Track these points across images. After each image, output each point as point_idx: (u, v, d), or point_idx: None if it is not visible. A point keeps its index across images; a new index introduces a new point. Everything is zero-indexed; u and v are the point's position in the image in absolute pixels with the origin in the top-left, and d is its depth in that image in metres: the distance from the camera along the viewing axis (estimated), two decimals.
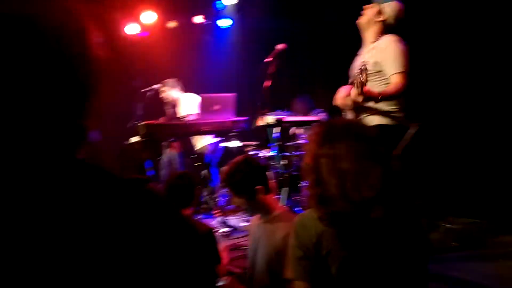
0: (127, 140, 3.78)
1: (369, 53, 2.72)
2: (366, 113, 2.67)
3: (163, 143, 4.83)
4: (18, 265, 0.48)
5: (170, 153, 5.12)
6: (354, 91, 2.50)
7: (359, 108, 2.62)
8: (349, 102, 2.64)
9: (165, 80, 4.80)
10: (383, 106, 2.62)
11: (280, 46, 3.32)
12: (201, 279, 0.60)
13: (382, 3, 2.71)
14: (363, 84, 2.43)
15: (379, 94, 2.49)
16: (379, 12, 2.69)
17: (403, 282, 1.19)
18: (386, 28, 2.72)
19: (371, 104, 2.59)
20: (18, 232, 0.49)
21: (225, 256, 2.24)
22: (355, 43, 2.95)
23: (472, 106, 3.80)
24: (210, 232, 2.13)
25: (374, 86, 2.61)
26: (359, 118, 2.65)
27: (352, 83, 2.73)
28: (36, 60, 0.52)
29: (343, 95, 2.76)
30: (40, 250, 0.49)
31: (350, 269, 1.19)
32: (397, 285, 1.18)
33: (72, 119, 0.56)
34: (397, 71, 2.56)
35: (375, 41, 2.72)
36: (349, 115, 2.79)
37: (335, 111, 5.01)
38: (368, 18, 2.71)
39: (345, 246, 1.20)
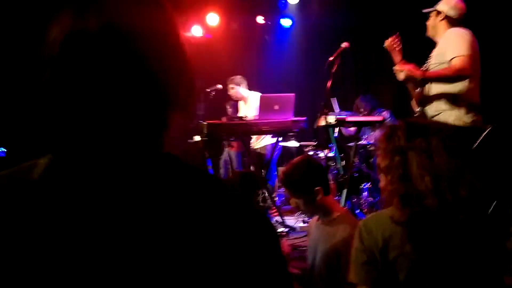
0: (191, 138, 3.91)
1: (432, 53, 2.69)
2: (438, 112, 2.55)
3: (223, 142, 4.94)
4: (104, 259, 0.49)
5: (229, 152, 5.22)
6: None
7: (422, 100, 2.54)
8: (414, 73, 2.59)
9: (232, 77, 4.84)
10: (456, 107, 2.51)
11: (343, 44, 3.25)
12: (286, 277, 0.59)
13: (435, 5, 2.70)
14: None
15: (423, 74, 2.46)
16: (437, 13, 2.69)
17: None
18: (451, 24, 2.67)
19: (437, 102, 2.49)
20: (108, 224, 0.50)
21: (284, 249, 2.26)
22: (422, 40, 2.86)
23: None
24: None
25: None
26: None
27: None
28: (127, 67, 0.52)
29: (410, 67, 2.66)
30: (128, 244, 0.49)
31: (420, 275, 1.13)
32: None
33: (159, 114, 0.56)
34: (456, 55, 2.46)
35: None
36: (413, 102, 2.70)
37: (399, 111, 4.83)
38: (431, 25, 2.73)
39: (417, 249, 1.14)
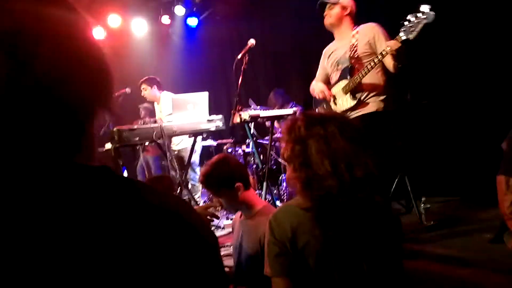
0: (102, 147, 3.68)
1: (353, 37, 2.83)
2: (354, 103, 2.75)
3: (138, 148, 4.75)
4: (18, 272, 0.45)
5: (145, 157, 5.04)
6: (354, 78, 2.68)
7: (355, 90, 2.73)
8: (328, 92, 2.84)
9: (144, 78, 4.73)
10: (374, 91, 2.73)
11: (250, 42, 3.31)
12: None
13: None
14: (352, 57, 2.69)
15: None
16: (344, 8, 2.87)
17: (380, 264, 1.21)
18: (354, 18, 2.91)
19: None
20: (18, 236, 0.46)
21: None
22: (327, 36, 3.02)
23: (448, 87, 3.91)
24: None
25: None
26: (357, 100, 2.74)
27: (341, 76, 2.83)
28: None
29: (322, 88, 2.88)
30: (40, 256, 0.45)
31: (327, 257, 1.18)
32: (374, 267, 1.19)
33: (71, 124, 0.52)
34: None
35: (352, 30, 2.87)
36: (333, 107, 2.86)
37: (310, 105, 5.08)
38: (335, 17, 2.88)
39: (324, 231, 1.19)
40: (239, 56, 3.29)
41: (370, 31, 2.78)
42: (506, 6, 3.53)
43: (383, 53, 2.50)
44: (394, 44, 2.44)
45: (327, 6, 2.90)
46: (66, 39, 0.50)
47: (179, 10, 6.24)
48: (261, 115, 3.56)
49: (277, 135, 5.01)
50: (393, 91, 2.78)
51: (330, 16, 2.89)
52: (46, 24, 0.49)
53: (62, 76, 0.49)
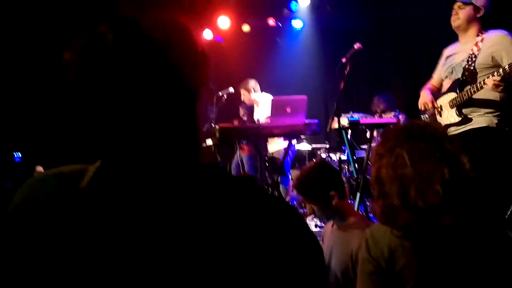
0: (203, 142, 3.91)
1: (476, 45, 2.55)
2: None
3: (235, 146, 4.93)
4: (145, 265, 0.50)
5: (240, 155, 5.21)
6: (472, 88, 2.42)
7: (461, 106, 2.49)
8: (441, 103, 2.62)
9: (243, 82, 4.84)
10: (486, 108, 2.46)
11: (356, 45, 3.21)
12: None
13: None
14: (467, 68, 2.45)
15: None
16: (476, 10, 2.54)
17: None
18: (485, 22, 2.58)
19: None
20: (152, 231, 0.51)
21: None
22: (436, 39, 2.81)
23: None
24: None
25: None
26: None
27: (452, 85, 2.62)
28: (151, 71, 0.55)
29: (426, 100, 2.68)
30: (166, 252, 0.50)
31: (427, 284, 1.11)
32: None
33: (186, 123, 0.59)
34: None
35: (479, 34, 2.57)
36: (438, 119, 2.66)
37: (414, 111, 4.76)
38: (465, 19, 2.57)
39: (421, 260, 1.11)
40: (343, 60, 3.22)
41: (498, 42, 2.46)
42: None
43: (504, 70, 2.21)
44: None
45: (457, 4, 2.58)
46: (188, 42, 0.62)
47: (286, 12, 6.34)
48: (361, 122, 3.45)
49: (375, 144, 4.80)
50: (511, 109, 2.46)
51: (459, 17, 2.58)
52: (179, 33, 0.61)
53: (189, 68, 0.59)
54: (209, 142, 3.67)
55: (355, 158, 4.62)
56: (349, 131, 4.58)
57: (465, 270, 1.10)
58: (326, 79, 6.45)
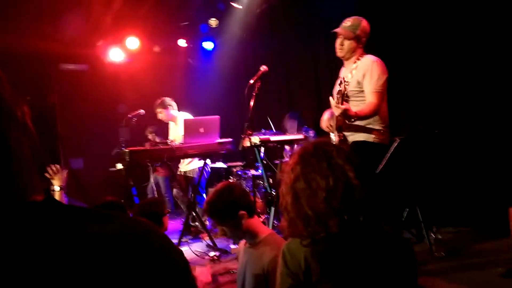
0: (113, 167, 3.74)
1: (350, 73, 2.82)
2: (350, 131, 2.73)
3: (149, 169, 4.80)
4: None
5: (156, 178, 5.09)
6: (333, 101, 2.60)
7: (341, 127, 2.69)
8: (331, 124, 2.77)
9: (159, 100, 4.75)
10: (367, 123, 2.71)
11: (262, 68, 3.37)
12: None
13: (351, 29, 2.82)
14: (343, 94, 2.58)
15: (355, 114, 2.57)
16: (358, 39, 2.81)
17: None
18: (363, 47, 2.87)
19: (353, 122, 2.66)
20: None
21: (203, 279, 2.24)
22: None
23: (457, 116, 3.87)
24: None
25: (359, 105, 2.72)
26: (342, 137, 2.70)
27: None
28: None
29: (327, 118, 2.84)
30: None
31: None
32: None
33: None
34: (375, 90, 2.69)
35: (356, 61, 2.85)
36: (333, 136, 2.84)
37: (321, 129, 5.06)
38: (348, 50, 2.83)
39: (329, 269, 1.17)
40: (252, 82, 3.34)
41: (366, 67, 2.75)
42: None
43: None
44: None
45: (343, 38, 2.83)
46: None
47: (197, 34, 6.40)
48: (271, 139, 3.59)
49: (287, 158, 5.01)
50: (383, 124, 2.77)
51: (343, 49, 2.84)
52: None
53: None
54: (119, 166, 3.52)
55: (269, 174, 4.77)
56: (262, 149, 4.74)
57: (368, 272, 1.17)
58: (240, 99, 6.61)
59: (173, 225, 5.27)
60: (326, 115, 2.99)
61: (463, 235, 3.71)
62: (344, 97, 2.62)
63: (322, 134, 4.96)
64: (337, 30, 2.83)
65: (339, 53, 2.88)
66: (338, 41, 2.85)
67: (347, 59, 2.90)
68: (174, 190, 4.90)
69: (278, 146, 4.23)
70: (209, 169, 4.78)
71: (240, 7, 5.92)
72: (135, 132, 5.07)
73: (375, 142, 2.72)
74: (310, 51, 5.59)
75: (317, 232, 1.18)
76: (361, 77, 2.74)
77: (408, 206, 3.59)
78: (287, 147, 5.18)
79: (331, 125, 2.80)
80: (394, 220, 2.94)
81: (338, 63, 3.06)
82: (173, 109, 4.80)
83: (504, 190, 2.79)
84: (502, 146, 3.62)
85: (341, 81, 2.71)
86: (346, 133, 2.75)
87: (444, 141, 3.82)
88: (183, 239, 4.10)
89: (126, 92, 6.20)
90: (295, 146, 4.93)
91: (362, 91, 2.74)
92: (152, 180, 4.99)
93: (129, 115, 4.62)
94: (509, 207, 2.67)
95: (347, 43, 2.82)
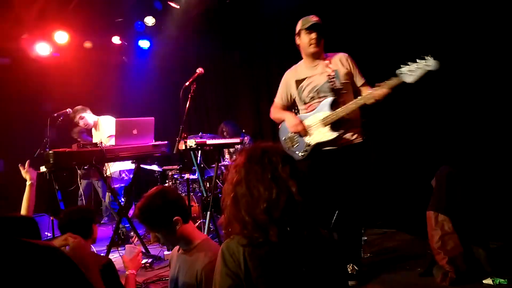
0: (37, 169, 3.46)
1: (329, 68, 2.85)
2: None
3: (79, 172, 4.54)
4: None
5: (93, 182, 4.83)
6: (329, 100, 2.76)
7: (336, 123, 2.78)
8: (302, 126, 2.86)
9: (75, 109, 4.58)
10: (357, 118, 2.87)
11: (198, 70, 3.33)
12: None
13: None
14: (333, 89, 2.77)
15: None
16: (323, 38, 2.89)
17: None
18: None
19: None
20: None
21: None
22: (275, 64, 3.07)
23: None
24: (109, 264, 2.03)
25: (344, 97, 2.82)
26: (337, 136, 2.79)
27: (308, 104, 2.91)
28: None
29: (296, 122, 2.88)
30: None
31: None
32: None
33: None
34: (365, 80, 2.89)
35: (325, 60, 2.89)
36: (306, 139, 2.87)
37: (259, 133, 5.12)
38: (322, 47, 2.88)
39: (274, 269, 1.18)
40: (187, 84, 3.29)
41: (346, 62, 2.88)
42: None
43: (375, 99, 2.63)
44: (384, 93, 2.60)
45: (319, 32, 2.83)
46: None
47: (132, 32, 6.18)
48: (207, 143, 3.55)
49: (224, 162, 5.00)
50: (365, 123, 2.93)
51: (320, 44, 2.85)
52: None
53: None
54: (42, 169, 3.27)
55: (205, 178, 4.73)
56: (199, 152, 4.68)
57: (306, 275, 1.20)
58: (177, 100, 6.47)
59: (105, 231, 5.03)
60: (289, 115, 2.97)
61: (388, 237, 3.94)
62: (338, 92, 2.78)
63: (257, 139, 5.05)
64: (319, 22, 2.84)
65: (315, 48, 2.84)
66: (314, 35, 2.82)
67: (318, 56, 2.90)
68: (107, 195, 4.68)
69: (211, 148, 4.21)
70: (141, 172, 4.62)
71: (178, 7, 5.81)
72: (63, 133, 4.77)
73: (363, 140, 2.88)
74: (247, 53, 5.64)
75: (255, 237, 1.18)
76: (349, 70, 2.86)
77: (337, 209, 3.72)
78: (227, 154, 5.18)
79: (308, 126, 2.86)
80: (324, 223, 3.04)
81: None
82: (90, 115, 4.64)
83: (425, 195, 2.99)
84: (423, 153, 3.92)
85: (330, 79, 2.79)
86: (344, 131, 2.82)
87: (372, 149, 4.02)
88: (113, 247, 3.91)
89: (53, 89, 5.80)
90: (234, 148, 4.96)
91: (350, 84, 2.87)
92: (83, 184, 4.72)
93: (54, 114, 4.33)
94: (427, 211, 2.84)
95: (322, 40, 2.86)
